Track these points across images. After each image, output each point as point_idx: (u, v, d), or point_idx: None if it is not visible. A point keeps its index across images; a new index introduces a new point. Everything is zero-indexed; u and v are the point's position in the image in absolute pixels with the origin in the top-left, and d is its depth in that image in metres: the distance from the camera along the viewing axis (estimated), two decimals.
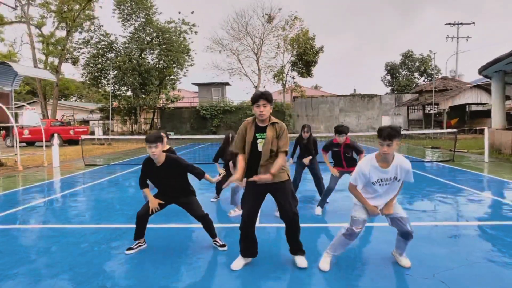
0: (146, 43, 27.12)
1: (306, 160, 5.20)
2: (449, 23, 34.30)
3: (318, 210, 4.83)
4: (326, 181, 5.03)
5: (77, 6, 25.62)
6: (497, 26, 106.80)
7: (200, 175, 3.48)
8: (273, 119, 2.98)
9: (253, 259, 3.15)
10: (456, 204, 5.33)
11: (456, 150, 11.60)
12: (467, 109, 27.17)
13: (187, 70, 29.91)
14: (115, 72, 26.09)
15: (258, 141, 2.94)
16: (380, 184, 2.81)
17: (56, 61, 27.70)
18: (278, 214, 3.41)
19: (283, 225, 3.06)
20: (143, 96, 26.55)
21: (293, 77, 29.28)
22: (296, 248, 3.09)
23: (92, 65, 26.41)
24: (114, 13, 26.58)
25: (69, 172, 9.66)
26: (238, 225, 3.07)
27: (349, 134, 4.66)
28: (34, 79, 28.18)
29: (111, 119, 27.16)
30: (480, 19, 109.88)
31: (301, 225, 3.07)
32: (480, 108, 27.10)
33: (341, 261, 3.14)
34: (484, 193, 6.13)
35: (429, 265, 3.04)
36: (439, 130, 17.32)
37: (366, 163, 2.81)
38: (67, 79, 42.26)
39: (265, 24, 28.39)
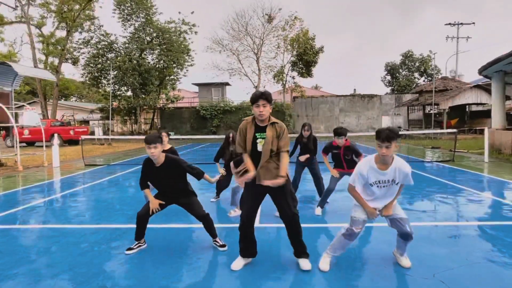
0: (146, 43, 27.13)
1: (302, 158, 5.19)
2: (449, 23, 34.32)
3: (318, 210, 4.83)
4: (326, 181, 5.03)
5: (77, 6, 25.64)
6: (497, 26, 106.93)
7: (199, 175, 3.49)
8: (273, 119, 2.99)
9: (253, 259, 3.15)
10: (456, 204, 5.33)
11: (456, 150, 11.60)
12: (467, 109, 27.18)
13: (187, 70, 29.99)
14: (115, 72, 26.10)
15: (258, 140, 2.95)
16: (378, 186, 2.81)
17: (56, 61, 27.74)
18: (278, 214, 3.41)
19: (283, 225, 3.06)
20: (143, 96, 26.57)
21: (293, 77, 29.34)
22: (300, 250, 3.06)
23: (92, 65, 26.43)
24: (114, 13, 26.65)
25: (69, 172, 9.66)
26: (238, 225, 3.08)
27: (349, 134, 4.66)
28: (34, 79, 28.19)
29: (111, 119, 27.17)
30: (480, 19, 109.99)
31: (301, 225, 3.07)
32: (480, 108, 27.12)
33: (341, 261, 3.14)
34: (484, 193, 6.13)
35: (429, 265, 3.04)
36: (439, 130, 17.30)
37: (365, 164, 2.82)
38: (67, 79, 42.29)
39: (265, 24, 28.43)
